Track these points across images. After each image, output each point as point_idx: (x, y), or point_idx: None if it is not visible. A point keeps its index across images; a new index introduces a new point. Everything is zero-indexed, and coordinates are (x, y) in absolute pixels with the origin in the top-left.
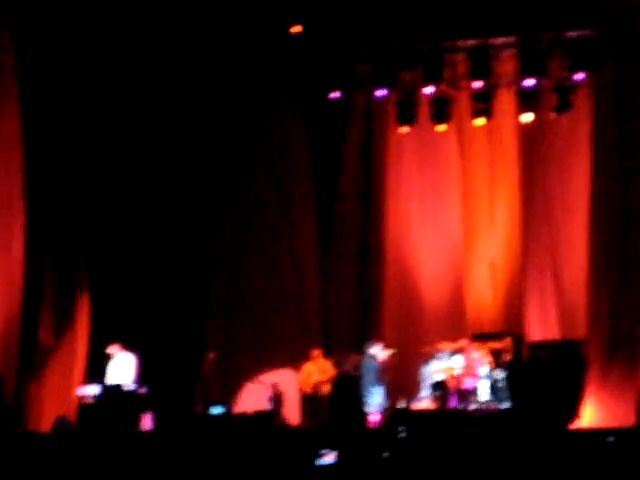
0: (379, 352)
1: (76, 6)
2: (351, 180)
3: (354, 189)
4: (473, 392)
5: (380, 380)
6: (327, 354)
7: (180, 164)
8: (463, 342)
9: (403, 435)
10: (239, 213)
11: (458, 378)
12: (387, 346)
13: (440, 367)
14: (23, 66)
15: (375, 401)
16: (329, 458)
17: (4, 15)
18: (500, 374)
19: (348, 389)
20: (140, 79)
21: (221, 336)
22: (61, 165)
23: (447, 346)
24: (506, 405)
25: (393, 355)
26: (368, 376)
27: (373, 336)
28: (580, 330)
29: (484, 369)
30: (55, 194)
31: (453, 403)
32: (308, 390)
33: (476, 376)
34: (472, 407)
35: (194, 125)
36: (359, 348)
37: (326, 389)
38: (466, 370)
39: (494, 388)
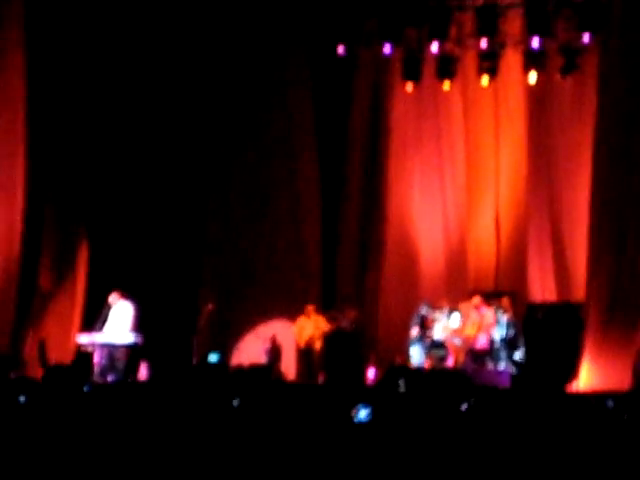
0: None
1: None
2: (358, 135)
3: (360, 145)
4: (487, 350)
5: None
6: (325, 308)
7: (186, 114)
8: (476, 300)
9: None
10: (241, 166)
11: (472, 337)
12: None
13: (439, 326)
14: (29, 17)
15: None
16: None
17: None
18: (511, 333)
19: (342, 345)
20: (148, 37)
21: (219, 287)
22: (64, 108)
23: (463, 305)
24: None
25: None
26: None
27: (373, 293)
28: (578, 292)
29: (498, 327)
30: (57, 140)
31: (466, 363)
32: (302, 344)
33: (489, 333)
34: (487, 367)
35: (200, 78)
36: (357, 303)
37: (318, 344)
38: (479, 328)
39: (509, 346)
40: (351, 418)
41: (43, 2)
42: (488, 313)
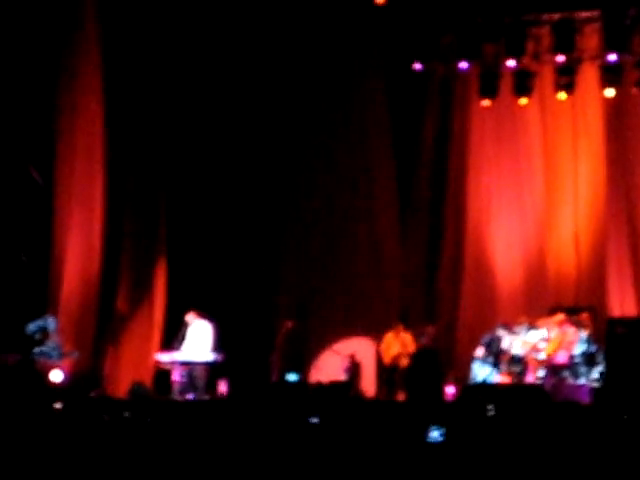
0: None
1: None
2: (430, 153)
3: (432, 163)
4: (566, 366)
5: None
6: (406, 326)
7: (260, 134)
8: (560, 317)
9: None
10: (317, 183)
11: (552, 353)
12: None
13: (518, 341)
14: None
15: (482, 375)
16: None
17: None
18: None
19: (427, 362)
20: (226, 51)
21: (297, 305)
22: (143, 130)
23: (543, 321)
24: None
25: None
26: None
27: (454, 309)
28: None
29: (578, 344)
30: (134, 158)
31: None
32: (387, 361)
33: (570, 351)
34: (567, 381)
35: (280, 94)
36: (434, 321)
37: (405, 362)
38: (561, 345)
39: (588, 363)
40: (425, 437)
41: (118, 23)
42: (570, 330)
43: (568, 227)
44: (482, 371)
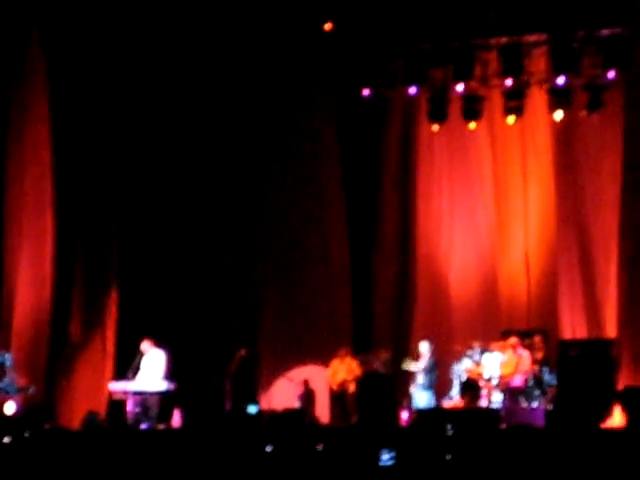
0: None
1: None
2: (390, 175)
3: (392, 184)
4: (522, 390)
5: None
6: (357, 352)
7: (209, 159)
8: (513, 340)
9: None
10: (270, 208)
11: (507, 376)
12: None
13: (471, 365)
14: (52, 67)
15: (423, 400)
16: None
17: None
18: (546, 372)
19: (375, 387)
20: (172, 63)
21: (250, 333)
22: (91, 159)
23: (497, 344)
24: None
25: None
26: (420, 375)
27: (405, 333)
28: (609, 329)
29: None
30: (85, 189)
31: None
32: (335, 388)
33: (525, 374)
34: (521, 405)
35: (226, 121)
36: (390, 345)
37: (352, 388)
38: (516, 368)
39: (541, 385)
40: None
41: (64, 53)
42: (524, 354)
43: (519, 250)
44: (421, 396)
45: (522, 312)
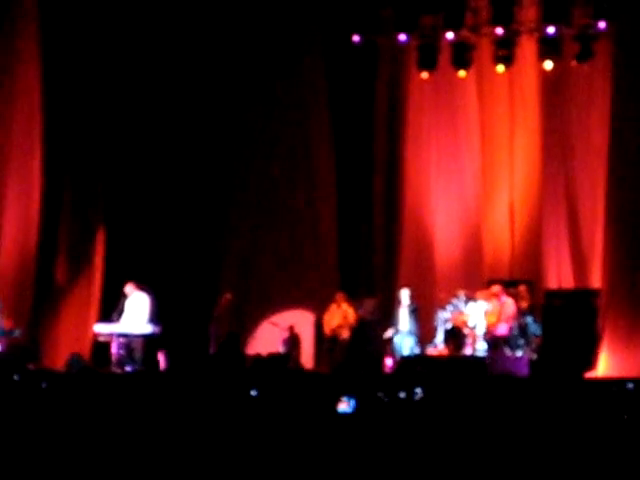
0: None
1: None
2: (380, 124)
3: (383, 134)
4: (506, 339)
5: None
6: (348, 298)
7: (199, 104)
8: (496, 288)
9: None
10: (260, 157)
11: (491, 325)
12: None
13: (455, 314)
14: (43, 9)
15: (407, 347)
16: (345, 405)
17: None
18: (529, 321)
19: (365, 334)
20: (161, 34)
21: (236, 276)
22: (80, 102)
23: (481, 293)
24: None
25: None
26: (403, 322)
27: (392, 282)
28: (595, 279)
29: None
30: (74, 132)
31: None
32: (328, 332)
33: (509, 321)
34: (505, 354)
35: (215, 73)
36: (375, 293)
37: (345, 334)
38: (499, 316)
39: (525, 335)
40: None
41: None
42: (508, 302)
43: (505, 200)
44: (406, 342)
45: (507, 262)
